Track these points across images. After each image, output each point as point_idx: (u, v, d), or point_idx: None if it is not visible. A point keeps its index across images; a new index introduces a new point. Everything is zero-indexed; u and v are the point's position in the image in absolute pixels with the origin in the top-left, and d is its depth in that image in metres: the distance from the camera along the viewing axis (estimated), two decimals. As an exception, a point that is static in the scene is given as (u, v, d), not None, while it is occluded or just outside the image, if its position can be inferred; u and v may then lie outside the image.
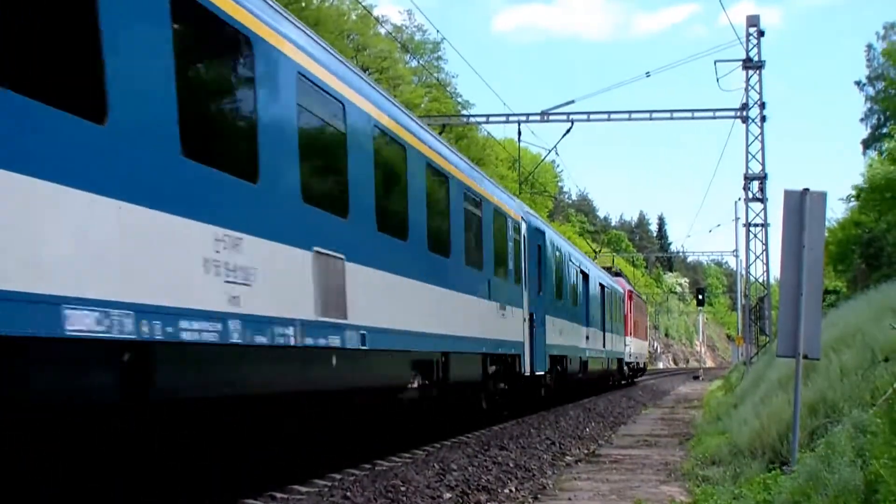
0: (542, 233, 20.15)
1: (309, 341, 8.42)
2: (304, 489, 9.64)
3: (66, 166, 5.51)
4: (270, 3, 8.29)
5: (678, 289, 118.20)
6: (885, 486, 5.84)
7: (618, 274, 42.26)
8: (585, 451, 13.46)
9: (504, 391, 16.80)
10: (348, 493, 8.54)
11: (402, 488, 8.93)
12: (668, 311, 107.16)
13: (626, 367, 36.65)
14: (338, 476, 10.54)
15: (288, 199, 8.34)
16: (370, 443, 11.75)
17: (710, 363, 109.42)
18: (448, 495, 8.92)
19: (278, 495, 9.26)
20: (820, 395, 9.43)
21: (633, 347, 39.47)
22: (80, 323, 5.46)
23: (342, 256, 9.30)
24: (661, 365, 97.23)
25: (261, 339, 7.54)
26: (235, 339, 7.15)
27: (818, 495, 6.44)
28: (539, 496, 9.16)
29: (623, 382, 37.38)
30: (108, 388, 5.99)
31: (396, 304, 10.93)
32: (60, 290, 5.36)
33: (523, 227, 18.43)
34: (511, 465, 11.24)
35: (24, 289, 5.10)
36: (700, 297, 57.58)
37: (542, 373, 18.96)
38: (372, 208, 10.27)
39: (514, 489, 9.69)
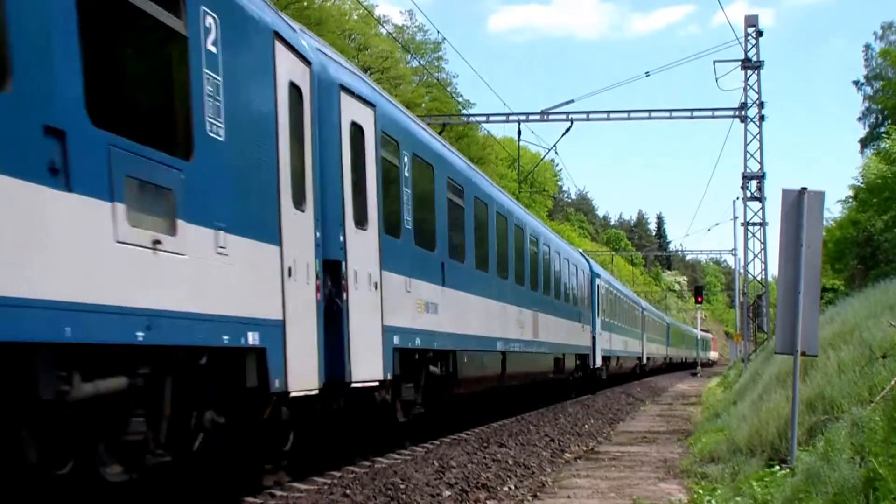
0: (598, 275, 29.26)
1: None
2: (303, 486, 9.66)
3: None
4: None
5: (677, 287, 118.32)
6: (884, 484, 5.87)
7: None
8: (584, 449, 13.49)
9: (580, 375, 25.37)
10: (348, 491, 8.56)
11: (402, 486, 8.95)
12: (667, 308, 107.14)
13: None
14: (337, 474, 10.55)
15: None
16: (369, 441, 11.77)
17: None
18: (447, 493, 8.95)
19: (278, 493, 9.28)
20: (818, 391, 9.46)
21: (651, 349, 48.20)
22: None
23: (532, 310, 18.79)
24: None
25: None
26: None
27: (817, 492, 6.47)
28: (538, 494, 9.18)
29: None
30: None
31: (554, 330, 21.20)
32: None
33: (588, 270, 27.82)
34: (510, 462, 11.26)
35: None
36: (698, 294, 57.61)
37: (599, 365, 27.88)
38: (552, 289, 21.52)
39: (513, 487, 9.72)
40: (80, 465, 5.71)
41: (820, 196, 9.13)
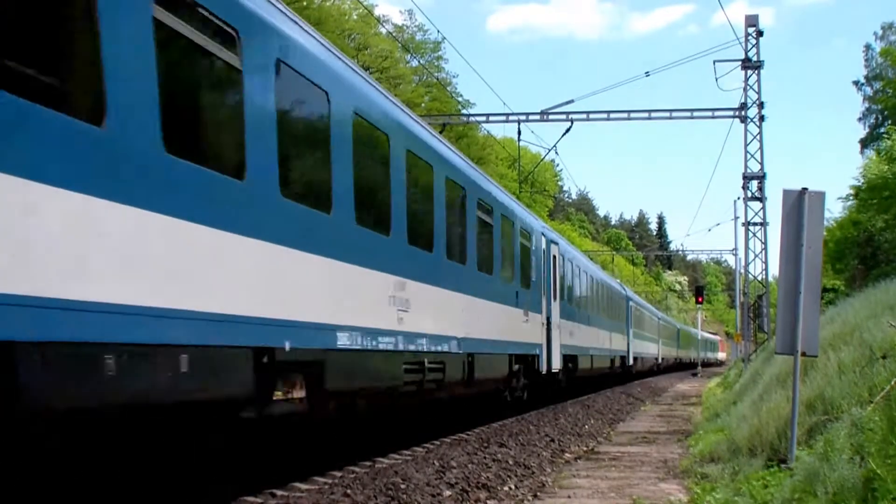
0: (555, 242, 21.86)
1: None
2: (304, 486, 9.68)
3: None
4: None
5: (677, 287, 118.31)
6: (883, 484, 5.88)
7: None
8: (584, 449, 13.50)
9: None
10: (349, 491, 8.57)
11: (402, 486, 8.96)
12: (668, 308, 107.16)
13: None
14: (338, 474, 10.57)
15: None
16: (371, 440, 11.79)
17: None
18: (448, 493, 8.96)
19: (278, 493, 9.29)
20: (818, 392, 9.47)
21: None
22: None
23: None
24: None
25: None
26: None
27: (817, 492, 6.48)
28: (538, 494, 9.19)
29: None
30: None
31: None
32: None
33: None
34: (510, 462, 11.27)
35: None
36: (699, 294, 57.59)
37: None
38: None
39: (513, 487, 9.72)
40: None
41: (821, 196, 9.14)
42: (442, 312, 12.42)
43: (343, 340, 9.07)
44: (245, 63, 7.33)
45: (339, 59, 9.56)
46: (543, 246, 19.78)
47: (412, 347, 11.06)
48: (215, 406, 7.18)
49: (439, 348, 12.16)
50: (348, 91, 9.54)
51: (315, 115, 8.97)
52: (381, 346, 10.03)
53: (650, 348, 45.48)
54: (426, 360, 11.63)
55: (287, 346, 7.77)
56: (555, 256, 20.94)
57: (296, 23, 8.57)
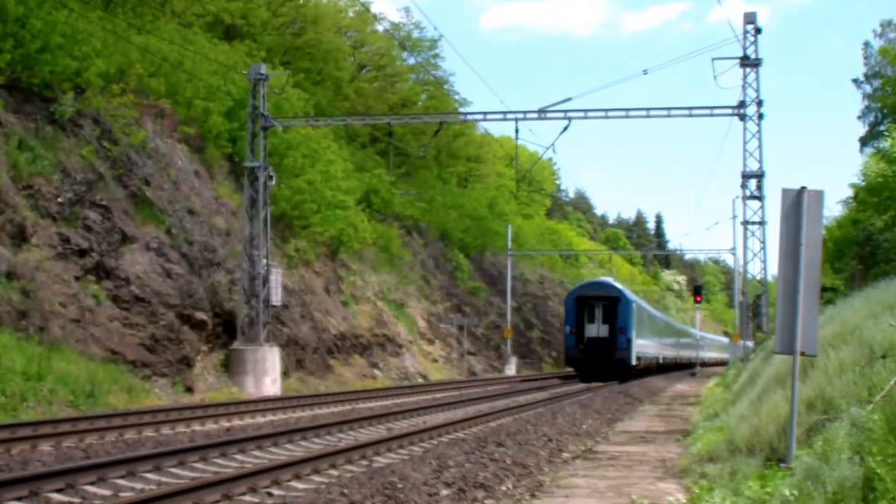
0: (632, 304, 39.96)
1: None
2: (301, 486, 9.63)
3: None
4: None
5: (675, 286, 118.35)
6: (882, 483, 5.84)
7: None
8: (582, 448, 13.46)
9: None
10: (346, 491, 8.53)
11: (400, 485, 8.92)
12: (666, 308, 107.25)
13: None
14: (335, 473, 10.53)
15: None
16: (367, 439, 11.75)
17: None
18: (445, 492, 8.92)
19: (275, 492, 9.25)
20: (817, 391, 9.44)
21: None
22: None
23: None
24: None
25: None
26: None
27: (816, 492, 6.44)
28: (536, 493, 9.15)
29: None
30: None
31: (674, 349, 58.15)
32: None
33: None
34: (508, 461, 11.22)
35: None
36: (697, 294, 57.69)
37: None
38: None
39: (511, 486, 9.68)
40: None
41: (819, 195, 9.10)
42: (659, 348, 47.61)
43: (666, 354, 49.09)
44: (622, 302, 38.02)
45: (638, 300, 40.96)
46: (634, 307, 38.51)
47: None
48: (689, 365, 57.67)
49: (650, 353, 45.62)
50: (643, 305, 43.58)
51: (645, 313, 42.64)
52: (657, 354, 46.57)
53: (693, 353, 67.14)
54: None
55: (661, 357, 48.71)
56: (634, 309, 37.90)
57: (633, 295, 41.02)
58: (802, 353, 8.99)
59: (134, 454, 10.87)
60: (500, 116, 28.29)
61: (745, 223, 27.88)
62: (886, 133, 30.94)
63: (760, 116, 27.01)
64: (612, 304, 36.62)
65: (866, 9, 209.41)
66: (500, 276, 57.98)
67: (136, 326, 22.74)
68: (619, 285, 40.69)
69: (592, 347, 35.95)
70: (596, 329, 36.18)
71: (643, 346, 39.98)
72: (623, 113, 27.77)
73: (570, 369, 39.56)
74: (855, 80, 57.04)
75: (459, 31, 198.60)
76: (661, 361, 46.12)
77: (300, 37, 45.29)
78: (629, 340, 36.20)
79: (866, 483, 6.02)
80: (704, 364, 68.26)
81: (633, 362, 37.08)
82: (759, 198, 27.45)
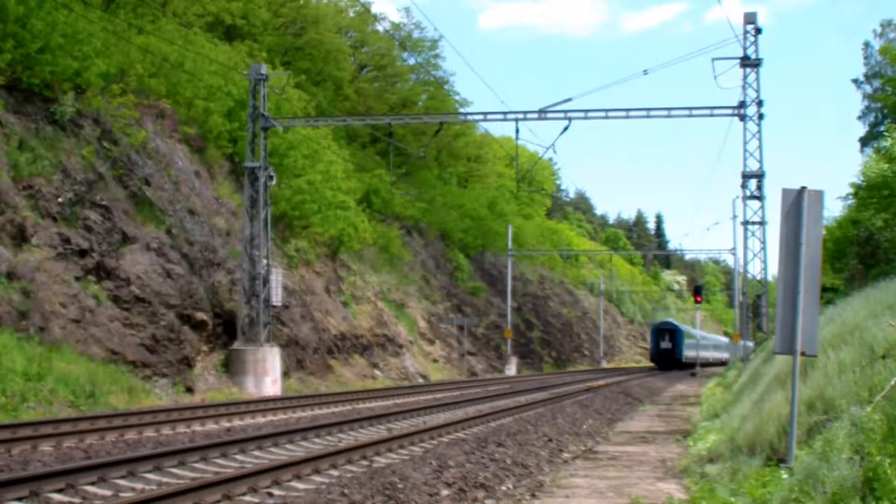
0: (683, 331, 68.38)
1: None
2: (301, 486, 9.64)
3: None
4: None
5: (676, 286, 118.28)
6: (882, 483, 5.84)
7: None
8: (583, 448, 13.46)
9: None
10: (346, 491, 8.53)
11: (400, 485, 8.92)
12: (666, 308, 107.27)
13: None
14: (335, 473, 10.53)
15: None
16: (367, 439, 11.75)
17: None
18: (445, 492, 8.92)
19: (276, 492, 9.25)
20: (818, 392, 9.43)
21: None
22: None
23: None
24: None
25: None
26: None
27: (816, 492, 6.44)
28: (536, 493, 9.15)
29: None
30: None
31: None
32: None
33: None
34: (508, 461, 11.22)
35: None
36: (697, 294, 57.72)
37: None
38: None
39: (511, 486, 9.69)
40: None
41: (819, 195, 9.10)
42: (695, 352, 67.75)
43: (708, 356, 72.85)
44: (677, 331, 67.88)
45: (684, 327, 71.92)
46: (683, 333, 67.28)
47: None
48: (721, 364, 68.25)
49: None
50: (688, 330, 71.68)
51: (687, 335, 69.32)
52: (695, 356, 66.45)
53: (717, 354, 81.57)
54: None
55: (709, 357, 73.85)
56: (682, 334, 66.46)
57: (682, 325, 72.56)
58: (803, 353, 8.99)
59: (134, 454, 10.87)
60: (501, 117, 28.29)
61: (746, 223, 27.89)
62: (886, 133, 30.94)
63: (760, 116, 27.03)
64: (672, 332, 66.53)
65: (866, 9, 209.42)
66: (500, 276, 58.00)
67: (137, 327, 22.75)
68: (675, 322, 71.70)
69: (664, 353, 65.44)
70: (666, 344, 65.76)
71: (687, 352, 66.84)
72: (623, 113, 27.76)
73: (652, 364, 68.00)
74: (855, 80, 57.03)
75: (458, 31, 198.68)
76: (696, 360, 69.14)
77: (301, 37, 45.30)
78: (681, 350, 65.36)
79: (867, 483, 6.02)
80: (705, 364, 77.21)
81: (683, 360, 64.54)
82: (760, 198, 27.47)
